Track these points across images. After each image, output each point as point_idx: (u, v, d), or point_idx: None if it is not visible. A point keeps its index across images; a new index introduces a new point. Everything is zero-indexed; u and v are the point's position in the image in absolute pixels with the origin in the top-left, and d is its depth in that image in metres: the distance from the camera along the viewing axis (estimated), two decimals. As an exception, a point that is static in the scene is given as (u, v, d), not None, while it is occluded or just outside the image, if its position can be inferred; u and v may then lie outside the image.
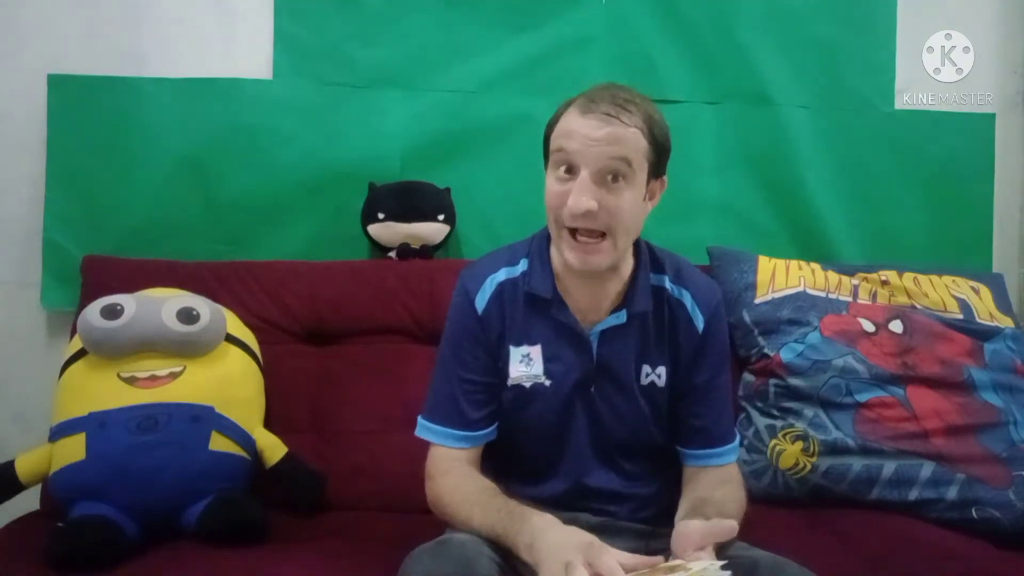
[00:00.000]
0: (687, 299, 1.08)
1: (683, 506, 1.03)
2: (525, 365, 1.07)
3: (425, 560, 0.91)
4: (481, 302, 1.08)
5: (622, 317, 1.06)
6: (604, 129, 0.94)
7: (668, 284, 1.09)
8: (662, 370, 1.08)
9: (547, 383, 1.07)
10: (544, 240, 1.10)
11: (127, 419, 1.22)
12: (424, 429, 1.09)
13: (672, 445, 1.11)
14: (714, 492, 1.02)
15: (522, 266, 1.09)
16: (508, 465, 1.11)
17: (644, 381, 1.08)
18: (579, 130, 0.95)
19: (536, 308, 1.07)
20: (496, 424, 1.10)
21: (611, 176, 0.95)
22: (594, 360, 1.07)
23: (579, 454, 1.09)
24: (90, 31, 1.68)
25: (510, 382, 1.08)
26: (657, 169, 1.01)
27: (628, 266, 1.07)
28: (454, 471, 1.05)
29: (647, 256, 1.09)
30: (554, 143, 0.99)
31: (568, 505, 1.07)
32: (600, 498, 1.10)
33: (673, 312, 1.08)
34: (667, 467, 1.12)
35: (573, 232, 0.98)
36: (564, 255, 0.99)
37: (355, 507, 1.40)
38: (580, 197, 0.94)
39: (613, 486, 1.10)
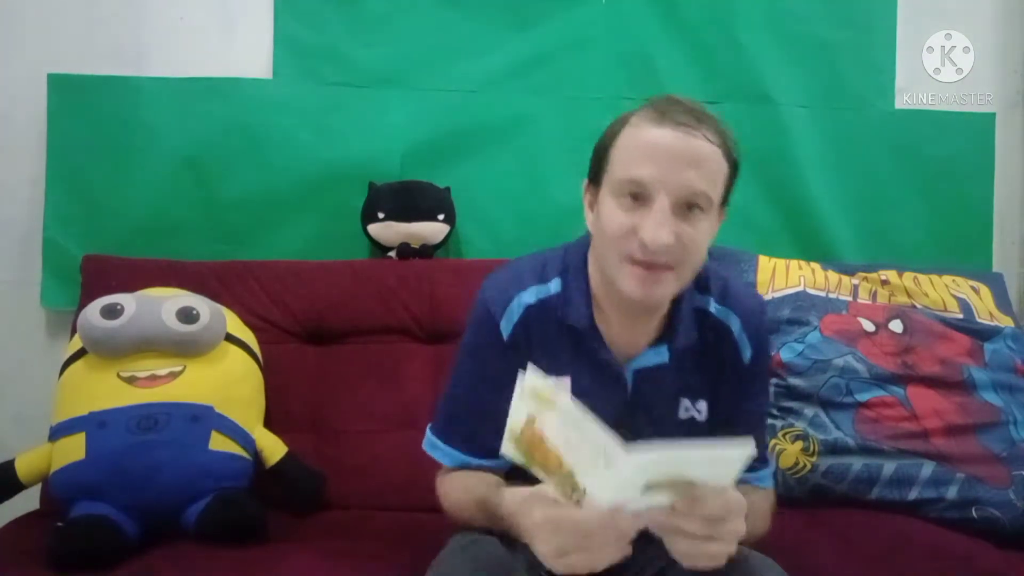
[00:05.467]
0: (735, 325, 0.97)
1: None
2: None
3: (453, 563, 0.89)
4: (507, 327, 0.95)
5: (663, 354, 0.95)
6: (684, 144, 0.82)
7: (713, 307, 0.97)
8: (703, 405, 0.98)
9: None
10: (581, 258, 0.97)
11: (127, 419, 1.22)
12: (435, 448, 1.01)
13: None
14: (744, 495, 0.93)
15: (555, 286, 0.97)
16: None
17: (683, 416, 0.98)
18: (656, 146, 0.82)
19: (568, 336, 0.96)
20: None
21: (688, 205, 0.83)
22: (628, 398, 0.96)
23: None
24: (90, 31, 1.68)
25: None
26: (727, 194, 0.90)
27: None
28: (461, 471, 0.99)
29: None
30: (620, 169, 0.85)
31: None
32: None
33: (718, 340, 0.97)
34: None
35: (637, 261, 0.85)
36: (622, 286, 0.86)
37: (355, 506, 1.40)
38: (660, 230, 0.81)
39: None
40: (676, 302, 0.95)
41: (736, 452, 0.70)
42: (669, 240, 0.82)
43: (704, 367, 0.97)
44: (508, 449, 0.74)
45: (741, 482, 0.90)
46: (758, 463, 1.00)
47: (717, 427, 0.98)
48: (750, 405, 1.00)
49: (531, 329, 0.95)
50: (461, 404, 1.00)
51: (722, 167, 0.86)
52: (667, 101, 0.85)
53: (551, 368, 0.92)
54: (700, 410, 0.98)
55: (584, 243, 0.98)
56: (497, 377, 0.93)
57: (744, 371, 0.98)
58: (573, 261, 0.97)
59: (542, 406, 0.70)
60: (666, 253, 0.83)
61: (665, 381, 0.96)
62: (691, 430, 0.97)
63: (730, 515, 0.73)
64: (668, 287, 0.86)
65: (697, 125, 0.83)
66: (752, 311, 0.99)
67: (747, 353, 0.97)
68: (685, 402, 0.98)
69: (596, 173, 0.90)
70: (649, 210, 0.82)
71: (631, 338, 0.95)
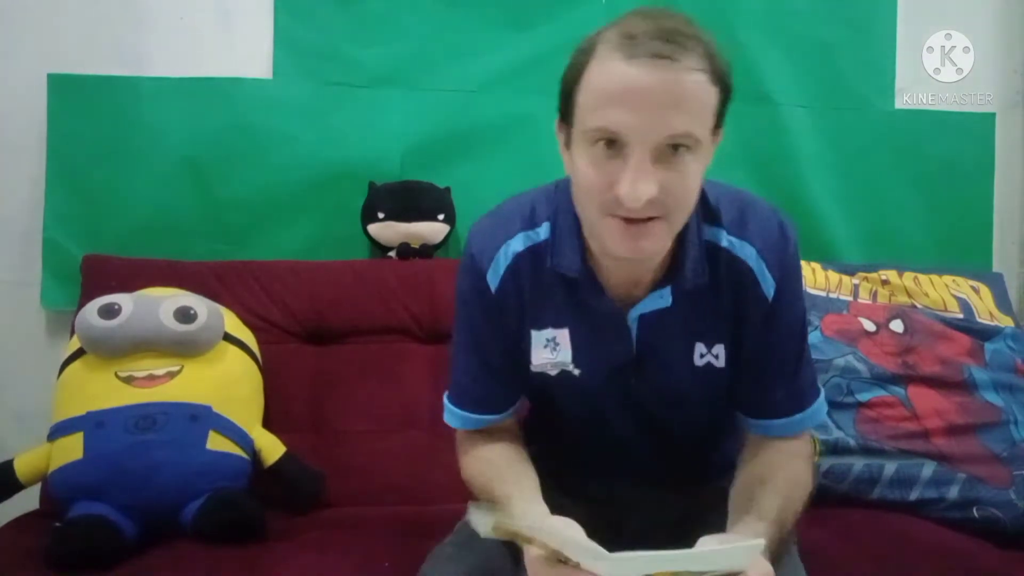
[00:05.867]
0: (751, 257, 0.85)
1: (739, 479, 0.89)
2: (550, 351, 0.90)
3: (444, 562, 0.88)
4: (494, 278, 0.88)
5: (666, 297, 0.85)
6: (662, 83, 0.69)
7: (726, 240, 0.86)
8: (720, 349, 0.88)
9: (576, 372, 0.90)
10: (571, 201, 0.86)
11: (125, 418, 1.22)
12: (451, 415, 0.97)
13: (733, 425, 0.97)
14: (777, 472, 0.86)
15: (544, 232, 0.88)
16: (541, 447, 1.00)
17: (699, 363, 0.89)
18: (627, 88, 0.70)
19: (563, 284, 0.88)
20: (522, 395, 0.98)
21: (672, 147, 0.72)
22: (634, 346, 0.88)
23: (621, 441, 0.95)
24: (90, 31, 1.68)
25: (533, 368, 0.91)
26: (719, 119, 0.78)
27: None
28: (479, 440, 0.96)
29: (699, 207, 0.83)
30: (589, 116, 0.74)
31: (609, 475, 0.99)
32: (649, 473, 0.98)
33: (734, 278, 0.86)
34: (728, 445, 0.98)
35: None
36: (607, 244, 0.78)
37: (353, 506, 1.39)
38: (638, 184, 0.71)
39: (663, 464, 0.97)
40: (681, 237, 0.83)
41: (744, 548, 0.65)
42: (650, 194, 0.72)
43: (719, 308, 0.87)
44: (487, 535, 0.71)
45: (773, 431, 0.90)
46: (796, 408, 0.90)
47: (742, 373, 0.90)
48: (780, 347, 0.89)
49: (521, 280, 0.88)
50: (463, 365, 0.95)
51: (710, 98, 0.73)
52: (639, 19, 0.73)
53: (547, 320, 0.89)
54: (717, 355, 0.89)
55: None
56: (490, 333, 0.91)
57: (768, 310, 0.86)
58: (563, 201, 0.87)
59: (507, 531, 0.68)
60: (650, 206, 0.73)
61: (674, 326, 0.87)
62: (709, 377, 0.89)
63: None
64: (659, 239, 0.77)
65: (676, 52, 0.69)
66: (772, 239, 0.86)
67: (770, 289, 0.86)
68: (700, 347, 0.89)
69: (565, 113, 0.80)
70: (625, 162, 0.72)
71: (631, 280, 0.86)
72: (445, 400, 0.98)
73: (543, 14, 1.75)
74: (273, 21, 1.71)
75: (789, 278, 0.88)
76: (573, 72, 0.77)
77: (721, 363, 0.89)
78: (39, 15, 1.67)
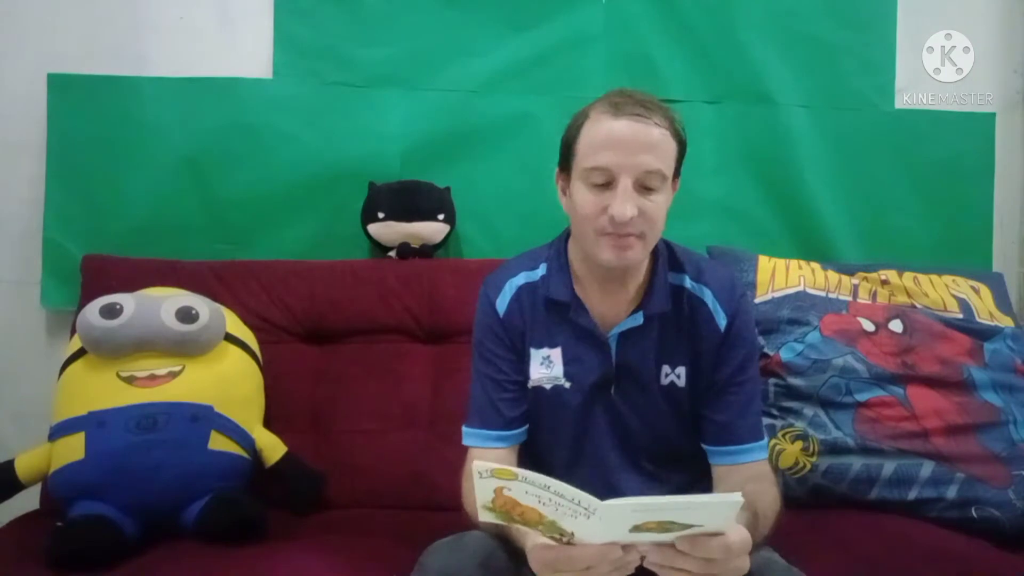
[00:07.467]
0: (708, 297, 1.07)
1: None
2: (546, 367, 1.08)
3: (443, 553, 0.92)
4: (502, 305, 1.09)
5: (639, 319, 1.05)
6: (639, 131, 0.94)
7: (688, 283, 1.08)
8: (681, 370, 1.07)
9: (567, 385, 1.07)
10: (562, 245, 1.11)
11: (126, 418, 1.22)
12: (465, 436, 1.09)
13: (698, 445, 1.09)
14: (744, 488, 0.97)
15: (541, 271, 1.10)
16: (535, 470, 1.10)
17: (664, 381, 1.07)
18: (615, 137, 0.95)
19: (556, 311, 1.08)
20: (527, 425, 1.10)
21: (646, 182, 0.96)
22: (613, 362, 1.06)
23: (603, 457, 1.09)
24: (90, 31, 1.68)
25: (531, 384, 1.09)
26: (678, 168, 1.02)
27: (645, 266, 1.07)
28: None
29: (665, 255, 1.08)
30: (587, 159, 0.97)
31: None
32: None
33: (693, 311, 1.07)
34: (693, 468, 1.10)
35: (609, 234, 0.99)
36: (600, 256, 0.99)
37: (354, 506, 1.40)
38: (625, 205, 0.94)
39: (639, 489, 1.08)
40: (651, 276, 1.07)
41: (723, 502, 0.72)
42: (633, 213, 0.95)
43: (681, 335, 1.07)
44: (486, 516, 0.77)
45: (735, 459, 1.04)
46: (752, 437, 1.05)
47: (699, 394, 1.07)
48: (733, 375, 1.06)
49: (523, 306, 1.09)
50: (477, 389, 1.10)
51: (672, 147, 0.98)
52: (619, 95, 0.98)
53: (544, 341, 1.08)
54: (679, 375, 1.07)
55: (565, 233, 1.12)
56: (499, 351, 1.09)
57: (720, 338, 1.06)
58: (555, 248, 1.12)
59: (504, 480, 0.74)
60: (632, 224, 0.95)
61: (646, 347, 1.06)
62: (672, 394, 1.07)
63: (730, 556, 0.77)
64: (638, 252, 0.99)
65: (648, 114, 0.95)
66: (724, 285, 1.08)
67: (722, 322, 1.06)
68: (665, 368, 1.07)
69: (565, 163, 1.03)
70: (615, 191, 0.95)
71: (612, 309, 1.07)
72: (463, 429, 1.10)
73: (543, 14, 1.76)
74: (273, 21, 1.71)
75: (741, 317, 1.07)
76: (572, 131, 1.01)
77: (682, 383, 1.07)
78: (39, 15, 1.67)
